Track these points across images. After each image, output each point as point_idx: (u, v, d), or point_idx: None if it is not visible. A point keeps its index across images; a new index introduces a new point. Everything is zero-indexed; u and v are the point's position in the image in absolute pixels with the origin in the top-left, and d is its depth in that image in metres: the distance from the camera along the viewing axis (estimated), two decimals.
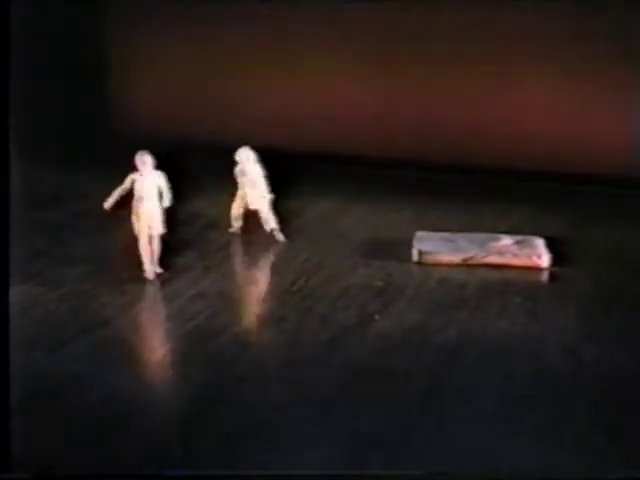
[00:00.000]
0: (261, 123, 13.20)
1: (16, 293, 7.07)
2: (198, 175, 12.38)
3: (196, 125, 13.18)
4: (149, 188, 9.71)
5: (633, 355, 8.25)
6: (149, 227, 9.74)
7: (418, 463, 6.60)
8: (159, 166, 9.79)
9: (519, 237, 10.67)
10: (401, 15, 12.84)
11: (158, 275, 9.76)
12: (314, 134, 13.26)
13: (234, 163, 10.80)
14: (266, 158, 10.59)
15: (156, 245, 9.82)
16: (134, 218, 9.79)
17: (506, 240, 10.58)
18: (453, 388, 7.70)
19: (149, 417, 7.08)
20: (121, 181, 9.64)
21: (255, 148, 10.82)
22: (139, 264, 9.75)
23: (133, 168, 9.68)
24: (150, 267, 9.75)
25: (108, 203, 9.96)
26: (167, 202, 9.74)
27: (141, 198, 9.71)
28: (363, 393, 7.56)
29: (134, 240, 9.77)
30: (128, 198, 9.75)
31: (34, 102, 12.59)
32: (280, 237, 10.84)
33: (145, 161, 9.76)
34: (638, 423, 7.13)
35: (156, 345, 8.43)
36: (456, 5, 12.57)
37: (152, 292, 9.43)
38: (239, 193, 11.01)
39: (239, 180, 10.93)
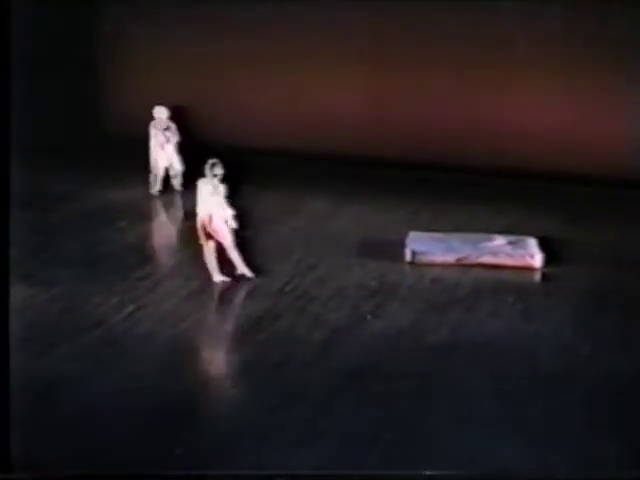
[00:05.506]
0: (259, 123, 13.19)
1: (11, 293, 7.04)
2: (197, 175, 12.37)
3: (195, 125, 13.15)
4: (218, 200, 9.48)
5: (626, 354, 8.30)
6: (221, 239, 9.54)
7: (413, 463, 6.62)
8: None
9: (512, 237, 10.69)
10: (399, 16, 12.86)
11: (249, 279, 9.66)
12: (308, 134, 13.25)
13: (232, 163, 10.74)
14: (262, 157, 10.58)
15: (235, 252, 9.63)
16: (202, 235, 9.57)
17: (499, 240, 10.60)
18: (447, 387, 7.73)
19: (148, 417, 7.09)
20: (119, 181, 9.60)
21: (251, 148, 10.80)
22: (133, 264, 9.77)
23: (131, 169, 9.65)
24: (217, 274, 9.56)
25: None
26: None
27: (209, 211, 9.47)
28: (357, 393, 7.59)
29: (130, 240, 9.77)
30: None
31: (34, 102, 12.54)
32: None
33: (216, 173, 9.52)
34: (634, 423, 7.17)
35: (151, 345, 8.42)
36: (454, 6, 12.58)
37: (145, 292, 9.42)
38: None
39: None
